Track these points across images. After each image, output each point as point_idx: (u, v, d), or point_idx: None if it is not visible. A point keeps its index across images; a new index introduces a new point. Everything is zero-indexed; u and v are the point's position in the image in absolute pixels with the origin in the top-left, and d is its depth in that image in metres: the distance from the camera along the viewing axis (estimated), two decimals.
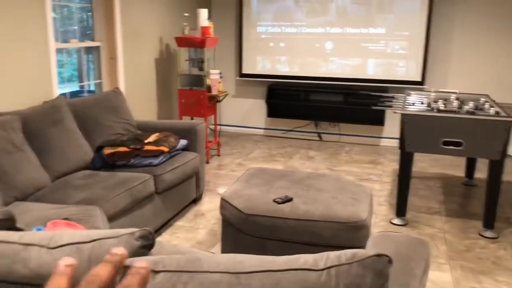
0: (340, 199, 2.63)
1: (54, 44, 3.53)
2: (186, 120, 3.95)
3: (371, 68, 5.58)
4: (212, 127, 6.22)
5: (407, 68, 5.46)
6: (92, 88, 4.39)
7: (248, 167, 4.85)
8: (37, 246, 1.24)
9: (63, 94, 3.99)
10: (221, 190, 4.17)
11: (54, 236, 1.27)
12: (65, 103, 3.32)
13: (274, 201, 2.59)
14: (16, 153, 2.74)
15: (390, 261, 1.07)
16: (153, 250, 1.78)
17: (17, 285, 1.25)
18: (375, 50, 5.53)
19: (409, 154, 3.38)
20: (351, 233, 2.40)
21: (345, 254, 1.11)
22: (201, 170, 3.82)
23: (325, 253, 1.15)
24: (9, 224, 1.36)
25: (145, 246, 1.22)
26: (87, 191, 2.75)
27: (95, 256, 1.20)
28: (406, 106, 3.59)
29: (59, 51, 3.86)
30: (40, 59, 3.42)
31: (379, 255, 1.06)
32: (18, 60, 3.23)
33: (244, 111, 6.33)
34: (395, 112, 3.43)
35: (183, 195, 3.58)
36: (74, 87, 4.33)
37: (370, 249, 1.65)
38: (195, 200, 3.87)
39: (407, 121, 3.31)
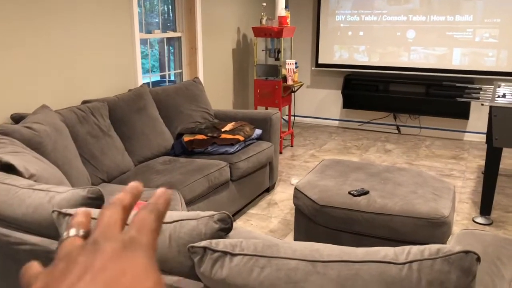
0: (420, 194, 2.52)
1: (138, 35, 3.70)
2: (261, 110, 3.98)
3: (456, 58, 5.26)
4: (286, 117, 6.21)
5: (497, 58, 5.08)
6: (172, 78, 4.56)
7: (321, 158, 4.80)
8: None
9: (146, 83, 4.18)
10: (294, 180, 4.16)
11: None
12: (148, 91, 3.48)
13: (350, 193, 2.54)
14: (104, 137, 2.92)
15: (478, 259, 1.00)
16: (230, 234, 1.82)
17: None
18: (461, 38, 5.20)
19: (497, 150, 3.15)
20: (431, 230, 2.30)
21: (429, 249, 1.06)
22: (275, 159, 3.84)
23: (406, 247, 1.11)
24: (99, 202, 1.45)
25: (223, 229, 1.24)
26: (167, 176, 2.87)
27: (176, 236, 1.24)
28: (496, 98, 3.35)
29: (142, 42, 4.04)
30: (126, 50, 3.60)
31: (466, 252, 1.00)
32: (107, 50, 3.43)
33: (319, 102, 6.25)
34: (483, 104, 3.21)
35: (257, 184, 3.62)
36: (155, 77, 4.53)
37: (449, 245, 1.57)
38: (268, 189, 3.90)
39: (497, 114, 3.08)
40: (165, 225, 1.26)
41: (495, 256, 1.53)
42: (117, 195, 0.39)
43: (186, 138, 3.42)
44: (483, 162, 4.64)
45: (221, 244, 1.16)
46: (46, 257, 1.41)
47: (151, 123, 3.34)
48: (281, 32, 4.69)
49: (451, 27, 5.21)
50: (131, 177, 2.93)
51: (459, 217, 3.37)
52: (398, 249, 1.11)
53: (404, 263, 1.04)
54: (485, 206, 3.25)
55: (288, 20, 4.84)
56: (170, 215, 1.30)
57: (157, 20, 4.34)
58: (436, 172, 4.36)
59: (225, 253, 1.14)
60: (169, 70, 4.51)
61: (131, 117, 3.22)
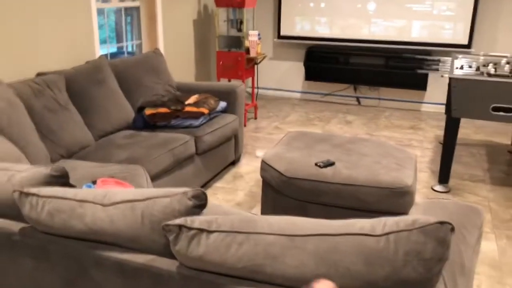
0: (384, 164, 2.57)
1: (95, 4, 3.51)
2: (225, 82, 3.92)
3: (415, 31, 5.34)
4: (249, 89, 6.16)
5: (454, 30, 5.20)
6: (130, 49, 4.39)
7: (285, 130, 4.81)
8: (92, 203, 1.25)
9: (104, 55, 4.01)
10: (259, 153, 4.16)
11: (108, 193, 1.29)
12: (107, 63, 3.34)
13: (316, 164, 2.56)
14: (62, 111, 2.79)
15: (452, 229, 1.03)
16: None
17: (72, 240, 1.28)
18: (420, 11, 5.27)
19: (456, 120, 3.25)
20: (395, 199, 2.36)
21: (404, 220, 1.07)
22: (240, 132, 3.81)
23: (382, 219, 1.12)
24: (64, 180, 1.38)
25: (198, 206, 1.22)
26: (129, 150, 2.79)
27: (148, 214, 1.21)
28: (454, 70, 3.43)
29: (98, 12, 3.85)
30: (82, 20, 3.42)
31: (441, 223, 1.02)
32: (61, 20, 3.24)
33: (282, 74, 6.23)
34: (442, 76, 3.29)
35: (222, 157, 3.59)
36: (112, 48, 4.34)
37: (423, 216, 1.61)
38: (234, 162, 3.89)
39: (455, 85, 3.17)
40: (137, 203, 1.22)
41: (460, 224, 1.58)
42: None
43: (148, 111, 3.32)
44: (440, 132, 4.80)
45: (196, 221, 1.14)
46: (7, 239, 1.34)
47: (111, 96, 3.22)
48: (243, 3, 4.59)
49: None
50: (92, 152, 2.83)
51: (419, 185, 3.49)
52: (374, 221, 1.12)
53: (381, 235, 1.05)
54: (444, 175, 3.37)
55: None
56: (141, 192, 1.26)
57: None
58: (396, 142, 4.47)
59: (201, 230, 1.12)
60: (126, 41, 4.34)
61: (89, 90, 3.08)
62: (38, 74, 2.98)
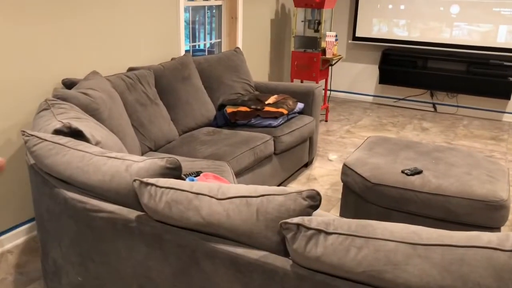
0: (475, 175, 2.46)
1: (183, 1, 3.63)
2: (304, 83, 3.91)
3: (502, 36, 5.07)
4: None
5: None
6: (208, 46, 4.49)
7: (357, 134, 4.73)
8: (207, 196, 1.29)
9: (188, 52, 4.13)
10: (332, 156, 4.12)
11: (221, 187, 1.32)
12: (192, 60, 3.44)
13: (403, 172, 2.50)
14: (151, 106, 2.90)
15: None
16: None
17: (187, 231, 1.33)
18: (508, 15, 5.00)
19: None
20: (490, 213, 2.25)
21: None
22: (315, 134, 3.80)
23: (509, 233, 1.07)
24: (177, 173, 1.43)
25: (312, 206, 1.22)
26: (213, 147, 2.86)
27: (263, 211, 1.23)
28: None
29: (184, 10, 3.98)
30: (169, 17, 3.55)
31: None
32: (151, 17, 3.37)
33: (355, 76, 6.13)
34: None
35: (297, 158, 3.59)
36: (187, 46, 4.44)
37: None
38: (307, 164, 3.87)
39: None
40: (252, 199, 1.24)
41: None
42: None
43: (229, 109, 3.38)
44: None
45: (314, 221, 1.14)
46: (124, 225, 1.41)
47: (195, 93, 3.31)
48: (323, 3, 4.56)
49: (498, 2, 5.01)
50: (177, 146, 2.92)
51: None
52: (500, 235, 1.07)
53: (511, 250, 1.00)
54: None
55: None
56: (254, 189, 1.28)
57: None
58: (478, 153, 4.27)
59: (319, 231, 1.12)
60: (205, 39, 4.44)
61: (176, 86, 3.19)
62: (129, 69, 3.12)
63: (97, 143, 1.76)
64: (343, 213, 2.77)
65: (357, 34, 5.80)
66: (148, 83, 2.98)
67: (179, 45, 3.66)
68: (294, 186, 3.48)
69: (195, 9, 4.28)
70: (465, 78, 5.27)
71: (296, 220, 1.14)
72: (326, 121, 5.20)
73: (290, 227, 1.14)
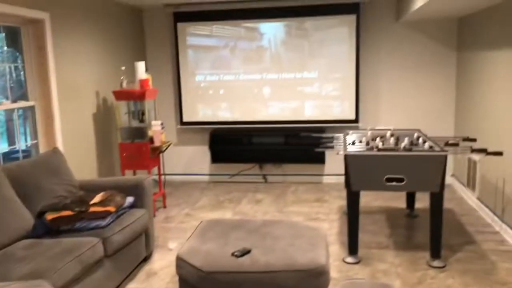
0: (297, 245, 2.65)
1: None
2: (131, 176, 3.85)
3: (308, 110, 5.79)
4: (156, 177, 6.09)
5: (341, 108, 5.72)
6: (23, 148, 4.17)
7: (196, 217, 4.77)
8: None
9: None
10: (172, 244, 4.05)
11: None
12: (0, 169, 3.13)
13: (233, 254, 2.56)
14: None
15: None
16: None
17: None
18: (310, 92, 5.76)
19: (356, 193, 3.49)
20: (313, 280, 2.41)
21: None
22: (150, 226, 3.71)
23: None
24: None
25: None
26: (31, 263, 2.57)
27: None
28: (347, 146, 3.74)
29: None
30: None
31: None
32: None
33: (188, 159, 6.28)
34: (338, 154, 3.56)
35: (133, 255, 3.43)
36: (3, 149, 4.08)
37: None
38: (146, 258, 3.73)
39: (351, 161, 3.44)
40: None
41: None
42: None
43: (49, 216, 3.12)
44: (343, 202, 5.09)
45: None
46: None
47: (5, 205, 2.98)
48: (144, 95, 4.66)
49: (300, 82, 5.75)
50: None
51: (331, 259, 3.61)
52: None
53: None
54: (352, 246, 3.54)
55: (150, 83, 4.85)
56: None
57: (8, 86, 3.97)
58: (305, 217, 4.64)
59: None
60: (19, 140, 4.12)
61: None
62: None
63: None
64: None
65: (184, 119, 6.02)
66: None
67: None
68: (133, 286, 3.29)
69: (13, 111, 3.97)
70: (284, 149, 5.82)
71: None
72: (165, 207, 5.15)
73: None
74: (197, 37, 5.85)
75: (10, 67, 3.99)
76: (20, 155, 4.09)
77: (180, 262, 2.64)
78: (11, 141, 4.13)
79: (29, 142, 4.13)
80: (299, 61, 5.72)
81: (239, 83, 5.87)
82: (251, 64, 5.81)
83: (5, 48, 4.08)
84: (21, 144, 4.09)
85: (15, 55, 4.14)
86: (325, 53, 5.65)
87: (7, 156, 4.04)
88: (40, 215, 3.20)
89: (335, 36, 5.60)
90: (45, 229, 3.10)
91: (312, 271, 2.42)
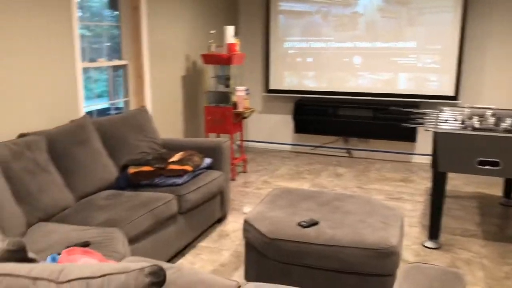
0: (368, 223, 2.51)
1: (80, 63, 3.56)
2: (211, 138, 3.91)
3: (402, 83, 5.42)
4: (239, 143, 6.17)
5: (440, 82, 5.28)
6: (121, 105, 4.42)
7: (274, 185, 4.76)
8: (46, 280, 1.19)
9: (90, 113, 4.02)
10: (247, 209, 4.09)
11: (65, 269, 1.22)
12: (90, 122, 3.33)
13: (299, 224, 2.50)
14: (41, 173, 2.74)
15: None
16: (171, 278, 1.73)
17: None
18: (405, 64, 5.38)
19: (443, 174, 3.22)
20: (380, 260, 2.27)
21: None
22: (226, 189, 3.76)
23: None
24: (21, 255, 1.32)
25: (155, 283, 1.15)
26: (110, 212, 2.73)
27: None
28: (439, 124, 3.44)
29: (90, 69, 3.91)
30: (67, 78, 3.45)
31: None
32: (45, 78, 3.27)
33: (271, 127, 6.26)
34: (426, 130, 3.28)
35: (207, 215, 3.52)
36: (105, 104, 4.35)
37: (397, 284, 1.54)
38: (220, 220, 3.80)
39: (440, 139, 3.16)
40: (92, 280, 1.15)
41: None
42: None
43: (131, 170, 3.28)
44: (431, 185, 4.75)
45: None
46: None
47: (94, 156, 3.19)
48: (230, 59, 4.67)
49: (395, 53, 5.38)
50: (71, 214, 2.76)
51: (409, 241, 3.40)
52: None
53: None
54: (433, 230, 3.29)
55: (237, 47, 4.84)
56: (98, 268, 1.19)
57: (104, 45, 4.20)
58: (386, 195, 4.41)
59: None
60: (117, 97, 4.37)
61: (72, 150, 3.05)
62: (20, 135, 2.96)
63: None
64: (247, 272, 2.70)
65: (271, 87, 5.97)
66: (38, 149, 2.82)
67: (78, 107, 3.56)
68: (204, 245, 3.38)
69: (111, 68, 4.22)
70: (373, 124, 5.54)
71: None
72: (245, 172, 5.21)
73: None
74: (289, 2, 5.70)
75: (110, 28, 4.19)
76: (113, 112, 4.34)
77: (247, 226, 2.63)
78: (111, 98, 4.38)
79: (121, 100, 4.36)
80: (395, 30, 5.34)
81: (328, 51, 5.65)
82: (343, 31, 5.55)
83: (107, 10, 4.29)
84: (116, 101, 4.33)
85: (115, 16, 4.34)
86: (425, 22, 5.20)
87: (105, 112, 4.30)
88: (123, 169, 3.38)
89: (438, 3, 5.12)
90: (126, 182, 3.27)
91: (380, 250, 2.27)
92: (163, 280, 1.17)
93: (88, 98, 3.98)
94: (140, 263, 1.18)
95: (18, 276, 1.20)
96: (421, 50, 5.28)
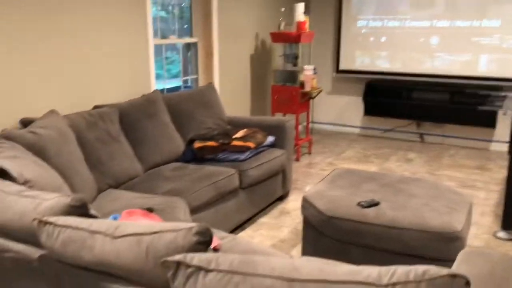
0: (433, 207, 2.40)
1: (152, 40, 3.70)
2: (276, 117, 3.91)
3: (483, 65, 5.06)
4: (305, 124, 6.12)
5: None
6: (190, 83, 4.55)
7: (339, 167, 4.68)
8: (103, 234, 1.27)
9: (161, 90, 4.18)
10: (309, 189, 4.07)
11: (121, 225, 1.30)
12: (160, 97, 3.47)
13: (359, 204, 2.44)
14: (112, 143, 2.91)
15: (467, 283, 0.91)
16: (227, 245, 1.77)
17: (83, 270, 1.29)
18: (488, 44, 5.00)
19: None
20: (443, 245, 2.17)
21: (416, 270, 0.97)
22: (288, 167, 3.76)
23: (393, 267, 1.02)
24: (82, 210, 1.41)
25: (202, 242, 1.19)
26: (175, 183, 2.84)
27: (153, 249, 1.19)
28: None
29: (167, 48, 4.06)
30: (139, 55, 3.61)
31: (454, 275, 0.91)
32: (120, 56, 3.44)
33: (340, 109, 6.13)
34: (504, 114, 3.05)
35: (268, 192, 3.55)
36: (177, 82, 4.50)
37: (456, 266, 1.46)
38: (282, 198, 3.82)
39: None
40: (143, 236, 1.22)
41: (503, 278, 1.41)
42: None
43: (197, 144, 3.38)
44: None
45: (196, 259, 1.10)
46: (27, 265, 1.38)
47: (162, 129, 3.32)
48: (299, 38, 4.62)
49: (477, 32, 5.03)
50: (139, 183, 2.91)
51: (480, 231, 3.21)
52: (384, 269, 1.02)
53: (387, 285, 0.96)
54: (507, 220, 3.08)
55: (307, 25, 4.77)
56: (151, 226, 1.25)
57: (175, 24, 4.33)
58: (458, 182, 4.18)
59: (199, 268, 1.08)
60: (190, 75, 4.50)
61: (141, 123, 3.21)
62: (95, 107, 3.16)
63: (25, 182, 1.75)
64: (305, 249, 2.70)
65: (341, 67, 5.84)
66: (111, 120, 2.99)
67: (149, 82, 3.71)
68: (265, 220, 3.42)
69: (182, 47, 4.36)
70: (449, 108, 5.24)
71: (177, 257, 1.11)
72: (310, 153, 5.17)
73: (170, 265, 1.10)
74: None
75: (182, 7, 4.31)
76: (182, 89, 4.48)
77: (305, 204, 2.63)
78: (184, 76, 4.53)
79: (191, 77, 4.48)
80: (478, 7, 4.98)
81: (404, 30, 5.40)
82: (421, 9, 5.27)
83: None
84: (186, 78, 4.47)
85: None
86: None
87: (177, 90, 4.45)
88: (189, 143, 3.50)
89: None
90: (192, 156, 3.38)
91: (443, 235, 2.17)
92: (209, 240, 1.20)
93: (164, 78, 4.15)
94: (189, 223, 1.23)
95: (78, 228, 1.30)
96: (507, 29, 4.88)
